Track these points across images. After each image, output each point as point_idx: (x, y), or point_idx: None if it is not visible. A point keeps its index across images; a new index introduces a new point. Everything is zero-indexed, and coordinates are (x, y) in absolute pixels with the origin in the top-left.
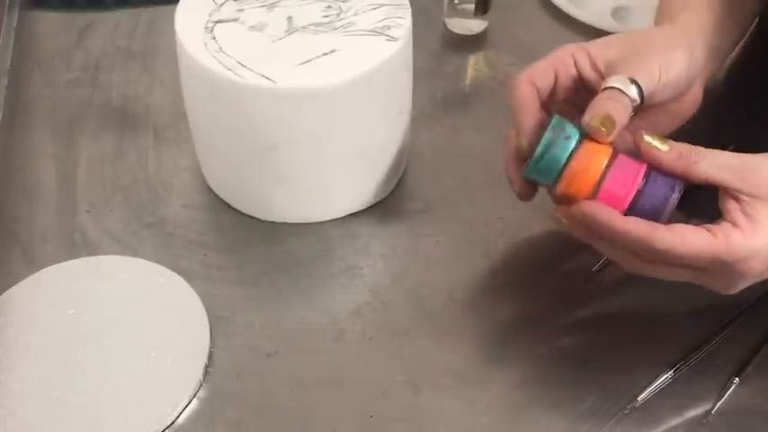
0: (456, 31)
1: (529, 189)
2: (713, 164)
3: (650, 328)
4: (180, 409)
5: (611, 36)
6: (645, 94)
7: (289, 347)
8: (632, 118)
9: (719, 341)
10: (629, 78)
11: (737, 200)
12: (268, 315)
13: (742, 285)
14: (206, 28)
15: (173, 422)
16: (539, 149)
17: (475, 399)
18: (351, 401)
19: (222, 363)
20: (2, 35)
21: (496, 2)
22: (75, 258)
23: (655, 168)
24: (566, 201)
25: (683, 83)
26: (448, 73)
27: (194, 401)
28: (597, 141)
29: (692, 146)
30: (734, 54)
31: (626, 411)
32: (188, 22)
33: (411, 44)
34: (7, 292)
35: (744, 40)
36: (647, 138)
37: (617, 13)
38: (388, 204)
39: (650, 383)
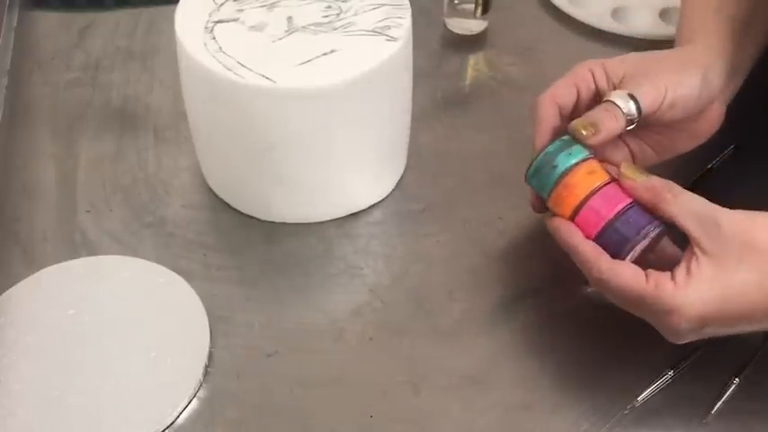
0: (456, 31)
1: (540, 201)
2: (683, 207)
3: (650, 328)
4: (180, 409)
5: (629, 54)
6: (643, 111)
7: (289, 347)
8: (654, 136)
9: (719, 341)
10: (628, 94)
11: (691, 251)
12: (268, 315)
13: (678, 337)
14: (206, 28)
15: (173, 422)
16: (541, 156)
17: (475, 399)
18: (351, 401)
19: (222, 363)
20: (2, 35)
21: (496, 2)
22: (75, 258)
23: (639, 205)
24: (556, 214)
25: (694, 104)
26: (448, 73)
27: (194, 401)
28: (579, 141)
29: (673, 185)
30: None
31: (626, 411)
32: (188, 22)
33: (411, 44)
34: (7, 292)
35: None
36: (626, 168)
37: (617, 13)
38: (388, 204)
39: (650, 383)
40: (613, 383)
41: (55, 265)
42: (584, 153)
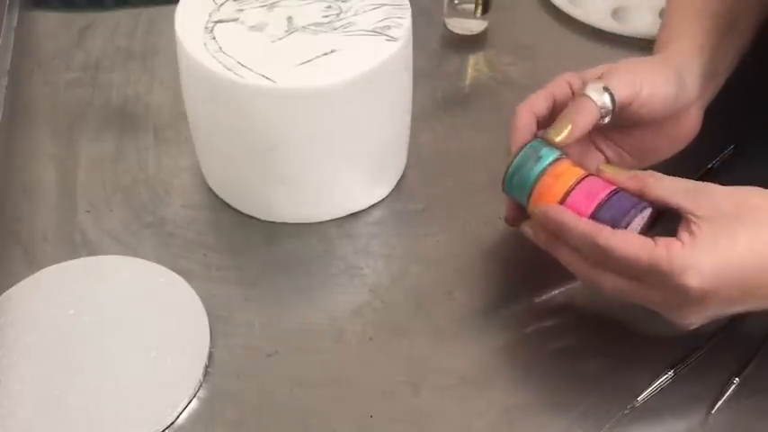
0: (456, 31)
1: (515, 213)
2: (667, 186)
3: (650, 328)
4: (180, 409)
5: (601, 66)
6: (618, 102)
7: (289, 347)
8: (631, 140)
9: (719, 341)
10: (603, 87)
11: (687, 221)
12: (268, 315)
13: (689, 313)
14: (206, 28)
15: (173, 422)
16: (513, 166)
17: (475, 399)
18: (351, 401)
19: (222, 363)
20: (2, 35)
21: (496, 2)
22: (75, 258)
23: (623, 191)
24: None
25: (671, 103)
26: (448, 73)
27: (194, 401)
28: (553, 146)
29: (654, 172)
30: None
31: (626, 411)
32: (188, 22)
33: (411, 44)
34: (7, 292)
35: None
36: (605, 165)
37: (617, 13)
38: (388, 204)
39: (650, 383)
40: (613, 383)
41: (55, 265)
42: (557, 152)
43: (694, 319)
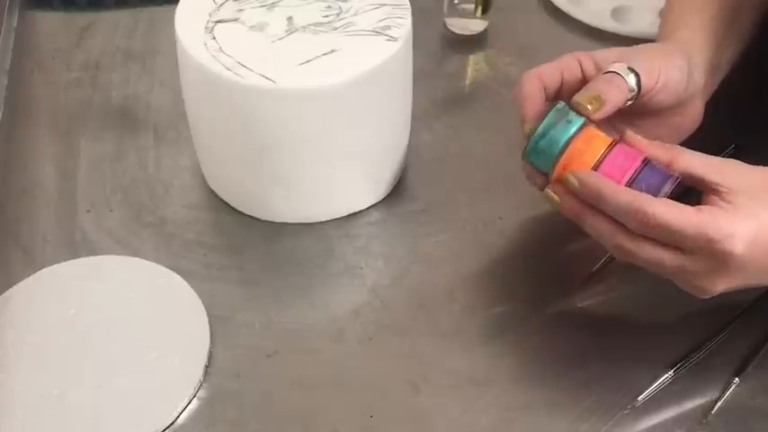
0: (456, 31)
1: (542, 179)
2: (693, 158)
3: (650, 327)
4: (180, 409)
5: (613, 48)
6: (643, 85)
7: (289, 347)
8: (638, 130)
9: (719, 341)
10: (629, 67)
11: (717, 192)
12: (268, 315)
13: (723, 279)
14: (206, 28)
15: (173, 422)
16: (539, 129)
17: (475, 399)
18: (351, 401)
19: (222, 363)
20: (2, 35)
21: (496, 2)
22: (75, 258)
23: (651, 162)
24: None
25: (683, 89)
26: (448, 73)
27: (194, 401)
28: (585, 116)
29: (675, 145)
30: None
31: (626, 411)
32: (188, 22)
33: (411, 44)
34: (7, 292)
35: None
36: (632, 132)
37: (617, 13)
38: (388, 204)
39: (650, 383)
40: (613, 383)
41: (55, 265)
42: (582, 120)
43: (723, 288)
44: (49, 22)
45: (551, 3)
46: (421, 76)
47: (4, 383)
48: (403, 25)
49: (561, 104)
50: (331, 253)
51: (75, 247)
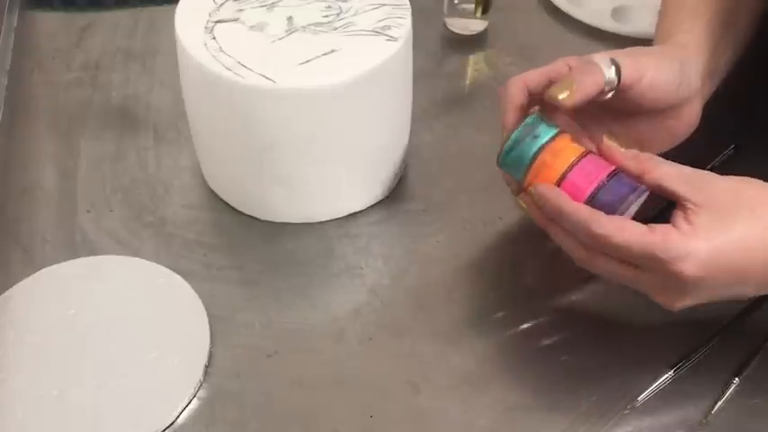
0: (456, 31)
1: (516, 184)
2: (667, 171)
3: (650, 327)
4: (180, 409)
5: (607, 51)
6: (623, 78)
7: (289, 347)
8: (630, 132)
9: (719, 341)
10: (611, 59)
11: (684, 208)
12: (268, 315)
13: (681, 297)
14: (206, 28)
15: (173, 422)
16: (507, 144)
17: (475, 399)
18: (351, 401)
19: (222, 363)
20: (2, 35)
21: (496, 2)
22: (75, 258)
23: (621, 173)
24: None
25: (674, 90)
26: (448, 73)
27: (194, 401)
28: (555, 109)
29: (654, 155)
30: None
31: (626, 411)
32: (188, 22)
33: (411, 44)
34: (7, 292)
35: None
36: (608, 140)
37: (617, 13)
38: (388, 204)
39: (650, 383)
40: (613, 383)
41: (55, 265)
42: (556, 129)
43: (684, 304)
44: (49, 22)
45: (551, 3)
46: (421, 76)
47: (4, 383)
48: (403, 25)
49: (531, 118)
50: (331, 253)
51: (75, 247)
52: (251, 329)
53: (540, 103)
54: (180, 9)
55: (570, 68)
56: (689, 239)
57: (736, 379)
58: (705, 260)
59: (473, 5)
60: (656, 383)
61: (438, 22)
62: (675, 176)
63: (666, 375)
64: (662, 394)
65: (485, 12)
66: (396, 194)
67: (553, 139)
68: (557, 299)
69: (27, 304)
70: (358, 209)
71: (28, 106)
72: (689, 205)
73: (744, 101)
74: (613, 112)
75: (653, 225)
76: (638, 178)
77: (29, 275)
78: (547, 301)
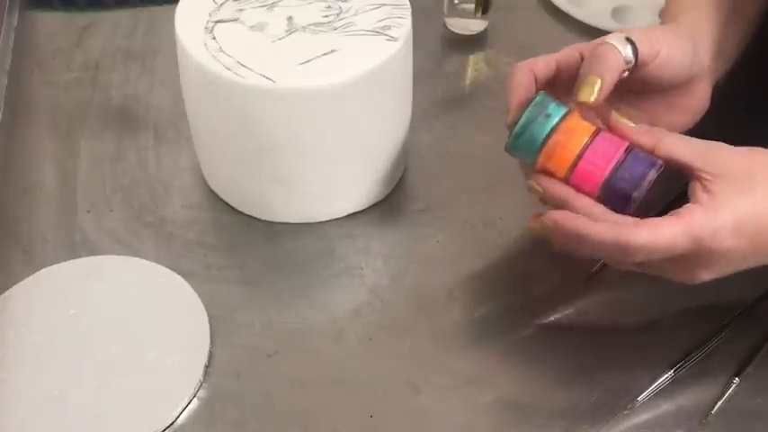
0: (456, 31)
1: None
2: (677, 143)
3: (650, 328)
4: (180, 409)
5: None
6: (641, 54)
7: (289, 347)
8: (644, 110)
9: (719, 341)
10: (626, 37)
11: (699, 179)
12: (268, 315)
13: (706, 271)
14: (206, 28)
15: (173, 422)
16: (518, 126)
17: (475, 399)
18: (351, 401)
19: (222, 363)
20: (2, 35)
21: (496, 2)
22: (75, 258)
23: (635, 149)
24: (546, 175)
25: (687, 66)
26: (448, 73)
27: (194, 401)
28: (576, 113)
29: (662, 129)
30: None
31: (626, 411)
32: (188, 22)
33: (411, 44)
34: (7, 292)
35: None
36: (617, 116)
37: (617, 13)
38: (388, 204)
39: (650, 383)
40: (613, 383)
41: (55, 265)
42: (566, 108)
43: (709, 277)
44: (49, 22)
45: (551, 3)
46: (421, 76)
47: (4, 383)
48: (403, 25)
49: (540, 97)
50: (331, 253)
51: (75, 247)
52: (251, 329)
53: (548, 90)
54: (180, 9)
55: (582, 56)
56: (715, 213)
57: (737, 379)
58: (733, 231)
59: (473, 5)
60: (656, 383)
61: (438, 22)
62: (688, 148)
63: (666, 375)
64: (662, 394)
65: (485, 12)
66: (396, 194)
67: (564, 117)
68: (557, 299)
69: (27, 304)
70: (358, 209)
71: (28, 106)
72: (704, 176)
73: (744, 101)
74: (623, 91)
75: (675, 211)
76: (650, 153)
77: (29, 275)
78: (547, 301)
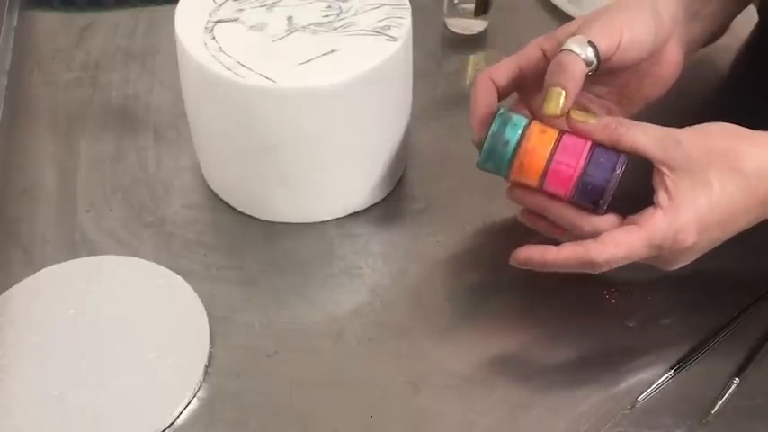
0: (456, 31)
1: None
2: (636, 135)
3: (650, 327)
4: (180, 409)
5: (576, 19)
6: (602, 54)
7: (289, 347)
8: (615, 86)
9: (719, 341)
10: (587, 41)
11: (659, 173)
12: (268, 315)
13: (678, 262)
14: (206, 28)
15: (173, 422)
16: (485, 146)
17: (475, 399)
18: (351, 401)
19: (222, 363)
20: (2, 35)
21: (496, 2)
22: (75, 258)
23: (599, 146)
24: (520, 186)
25: (651, 40)
26: (448, 73)
27: (194, 401)
28: (536, 121)
29: (624, 119)
30: (734, 54)
31: (626, 411)
32: (188, 22)
33: (411, 44)
34: (7, 292)
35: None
36: (574, 113)
37: None
38: (388, 204)
39: (650, 383)
40: (613, 383)
41: (55, 265)
42: (525, 119)
43: (682, 263)
44: (49, 22)
45: (551, 3)
46: (421, 76)
47: (4, 383)
48: (403, 25)
49: (502, 110)
50: (331, 253)
51: (75, 247)
52: (251, 329)
53: (515, 92)
54: (180, 9)
55: (544, 53)
56: (675, 216)
57: (736, 379)
58: (695, 229)
59: (473, 5)
60: (656, 383)
61: (438, 22)
62: (648, 141)
63: (666, 375)
64: (662, 394)
65: (485, 12)
66: (396, 194)
67: (527, 127)
68: (557, 299)
69: (27, 304)
70: (358, 209)
71: (28, 106)
72: (664, 170)
73: (744, 100)
74: (595, 76)
75: (634, 218)
76: (612, 146)
77: (29, 275)
78: (547, 302)
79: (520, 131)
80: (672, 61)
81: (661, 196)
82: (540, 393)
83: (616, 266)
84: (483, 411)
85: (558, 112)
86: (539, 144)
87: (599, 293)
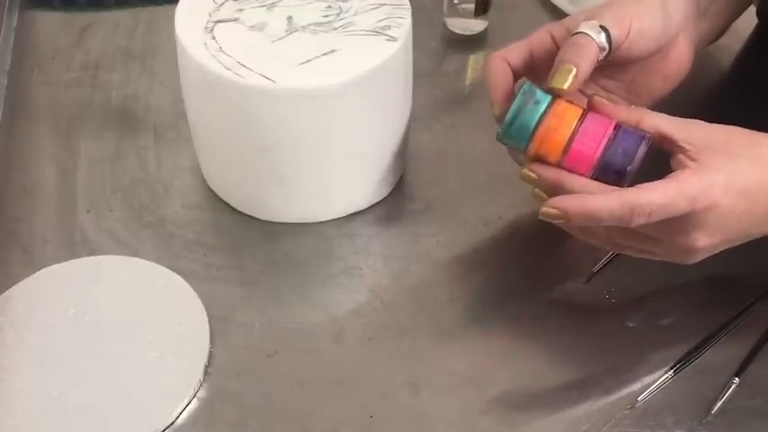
0: (456, 31)
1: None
2: (658, 117)
3: (650, 328)
4: (180, 409)
5: (585, 8)
6: (614, 41)
7: (289, 347)
8: (624, 82)
9: (719, 341)
10: (599, 25)
11: (683, 151)
12: (268, 315)
13: (709, 231)
14: (206, 28)
15: (173, 422)
16: (509, 115)
17: (475, 399)
18: (351, 401)
19: (222, 363)
20: (2, 35)
21: (496, 2)
22: (75, 258)
23: (623, 125)
24: (539, 161)
25: (660, 33)
26: (448, 73)
27: (194, 401)
28: (562, 97)
29: (642, 108)
30: (735, 54)
31: (626, 411)
32: (188, 22)
33: (411, 44)
34: (7, 292)
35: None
36: (599, 98)
37: None
38: (388, 204)
39: (650, 383)
40: (613, 383)
41: (55, 265)
42: (548, 95)
43: (704, 242)
44: (49, 22)
45: (551, 2)
46: (421, 76)
47: (4, 383)
48: (403, 25)
49: (527, 85)
50: (331, 253)
51: (75, 247)
52: (251, 329)
53: (525, 76)
54: (180, 9)
55: (553, 37)
56: (703, 173)
57: (737, 379)
58: (723, 187)
59: (473, 5)
60: (656, 383)
61: (438, 22)
62: (669, 122)
63: (666, 375)
64: (662, 394)
65: (485, 12)
66: (396, 194)
67: (552, 102)
68: (557, 299)
69: (27, 304)
70: (358, 209)
71: (28, 106)
72: (688, 147)
73: (744, 100)
74: (602, 66)
75: (666, 177)
76: (636, 127)
77: (29, 275)
78: (547, 301)
79: (545, 105)
80: (680, 58)
81: (687, 163)
82: (539, 393)
83: (654, 219)
84: (482, 411)
85: (566, 86)
86: (562, 120)
87: (599, 293)
